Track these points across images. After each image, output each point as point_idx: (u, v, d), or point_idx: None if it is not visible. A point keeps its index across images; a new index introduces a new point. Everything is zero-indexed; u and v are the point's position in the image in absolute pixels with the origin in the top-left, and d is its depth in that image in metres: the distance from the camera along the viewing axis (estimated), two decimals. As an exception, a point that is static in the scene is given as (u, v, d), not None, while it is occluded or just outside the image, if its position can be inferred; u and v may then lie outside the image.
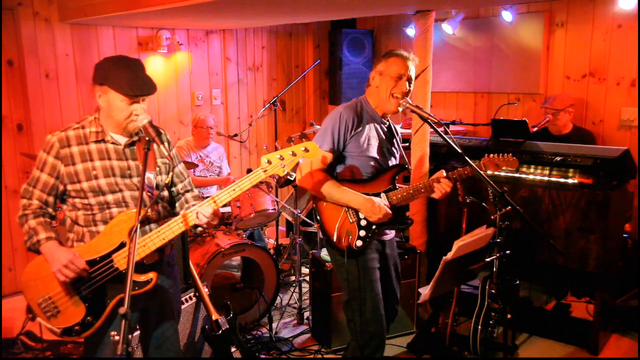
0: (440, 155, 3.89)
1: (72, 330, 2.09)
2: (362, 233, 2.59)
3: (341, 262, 2.64)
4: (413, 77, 2.62)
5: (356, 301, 2.63)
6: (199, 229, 3.71)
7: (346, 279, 2.66)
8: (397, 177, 2.68)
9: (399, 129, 2.89)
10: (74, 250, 2.06)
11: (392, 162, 2.75)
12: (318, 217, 2.68)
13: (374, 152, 2.63)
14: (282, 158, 2.06)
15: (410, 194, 2.62)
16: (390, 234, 2.82)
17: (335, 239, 2.61)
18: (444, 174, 2.60)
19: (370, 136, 2.62)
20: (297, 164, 2.16)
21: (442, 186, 2.59)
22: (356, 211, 2.60)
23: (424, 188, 2.61)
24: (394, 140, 2.78)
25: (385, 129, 2.73)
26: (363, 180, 2.64)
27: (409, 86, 2.61)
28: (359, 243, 2.59)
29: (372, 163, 2.64)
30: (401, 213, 2.68)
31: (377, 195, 2.61)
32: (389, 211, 2.57)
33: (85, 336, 2.11)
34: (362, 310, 2.62)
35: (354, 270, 2.61)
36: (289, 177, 2.14)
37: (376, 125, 2.67)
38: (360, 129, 2.60)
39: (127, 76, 2.05)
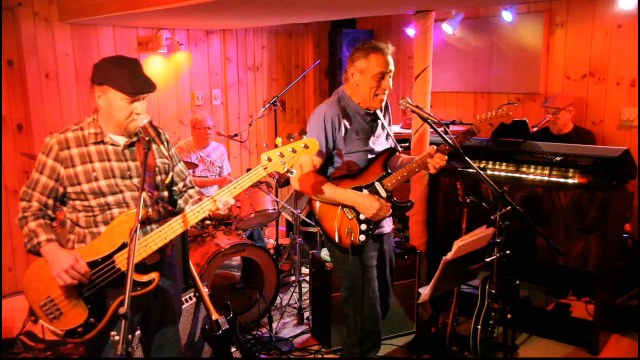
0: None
1: (75, 332, 2.08)
2: (364, 227, 2.56)
3: (341, 259, 2.63)
4: (393, 69, 2.57)
5: (354, 298, 2.64)
6: (207, 221, 3.70)
7: (345, 276, 2.66)
8: (389, 161, 2.64)
9: (397, 127, 2.86)
10: (74, 252, 2.05)
11: (384, 147, 2.71)
12: (316, 219, 2.65)
13: (365, 144, 2.60)
14: (282, 155, 2.06)
15: (405, 176, 2.57)
16: (388, 227, 2.80)
17: (337, 239, 2.58)
18: (435, 148, 2.55)
19: (357, 130, 2.59)
20: (297, 160, 2.14)
21: (435, 161, 2.52)
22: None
23: (418, 167, 2.56)
24: (379, 122, 2.72)
25: (370, 117, 2.67)
26: (355, 174, 2.61)
27: (391, 82, 2.57)
28: (362, 238, 2.56)
29: (365, 156, 2.62)
30: (397, 197, 2.64)
31: (371, 185, 2.57)
32: (385, 204, 2.51)
33: (89, 338, 2.10)
34: (359, 308, 2.62)
35: (352, 268, 2.60)
36: (289, 174, 2.13)
37: (361, 116, 2.62)
38: (347, 124, 2.56)
39: (127, 75, 2.06)
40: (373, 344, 2.69)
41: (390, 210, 2.56)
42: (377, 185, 2.58)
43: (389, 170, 2.62)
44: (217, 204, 2.08)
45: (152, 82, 2.12)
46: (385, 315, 2.91)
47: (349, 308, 2.68)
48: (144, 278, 2.07)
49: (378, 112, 2.73)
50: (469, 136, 2.60)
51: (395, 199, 2.61)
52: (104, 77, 2.07)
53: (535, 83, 4.58)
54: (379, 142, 2.70)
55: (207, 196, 2.17)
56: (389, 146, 2.74)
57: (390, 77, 2.57)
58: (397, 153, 2.76)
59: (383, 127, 2.74)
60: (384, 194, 2.57)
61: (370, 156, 2.64)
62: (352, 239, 2.56)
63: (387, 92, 2.57)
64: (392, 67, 2.56)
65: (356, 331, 2.64)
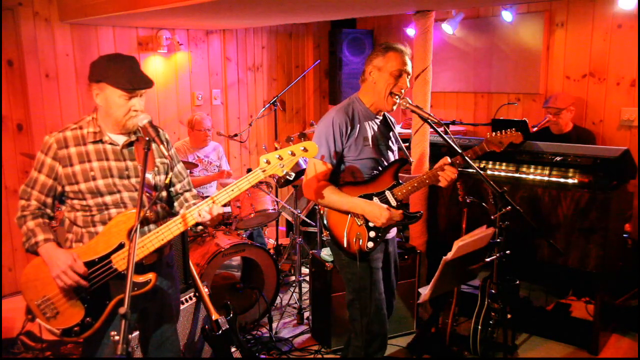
0: (441, 156, 3.87)
1: (72, 331, 2.09)
2: (372, 234, 2.54)
3: (346, 262, 2.61)
4: (410, 72, 2.58)
5: (360, 301, 2.61)
6: (200, 227, 3.69)
7: (351, 279, 2.63)
8: (399, 172, 2.63)
9: (397, 127, 2.86)
10: (72, 252, 2.06)
11: (391, 157, 2.70)
12: (325, 224, 2.62)
13: (370, 152, 2.58)
14: (280, 158, 2.06)
15: (415, 187, 2.56)
16: (393, 232, 2.79)
17: (345, 245, 2.55)
18: (449, 160, 2.54)
19: (366, 136, 2.57)
20: (297, 163, 2.13)
21: (446, 174, 2.51)
22: None
23: (429, 178, 2.55)
24: (391, 134, 2.72)
25: (379, 124, 2.66)
26: (366, 181, 2.60)
27: (408, 82, 2.58)
28: (371, 245, 2.54)
29: (371, 164, 2.60)
30: (406, 206, 2.64)
31: (382, 194, 2.57)
32: (394, 213, 2.50)
33: (85, 337, 2.11)
34: (365, 310, 2.60)
35: (358, 271, 2.57)
36: (288, 177, 2.12)
37: (369, 122, 2.61)
38: (354, 131, 2.55)
39: (124, 72, 2.06)
40: (380, 345, 2.67)
41: (402, 217, 2.54)
42: (388, 194, 2.57)
43: (400, 181, 2.61)
44: (213, 210, 2.07)
45: (149, 78, 2.12)
46: (390, 315, 2.90)
47: (354, 311, 2.64)
48: (141, 279, 2.07)
49: (389, 121, 2.73)
50: (480, 152, 2.59)
51: (403, 209, 2.60)
52: (101, 75, 2.07)
53: (535, 83, 4.58)
54: (389, 152, 2.68)
55: (206, 197, 2.17)
56: (398, 156, 2.73)
57: (407, 77, 2.57)
58: (408, 164, 2.73)
59: (391, 135, 2.72)
60: (394, 203, 2.56)
61: (378, 164, 2.62)
62: (360, 244, 2.54)
63: (403, 91, 2.55)
64: (409, 68, 2.56)
65: (363, 334, 2.61)
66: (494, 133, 2.62)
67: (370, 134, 2.59)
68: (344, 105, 2.63)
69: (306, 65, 5.94)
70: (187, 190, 2.38)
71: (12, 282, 4.37)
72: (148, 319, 2.31)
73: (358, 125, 2.57)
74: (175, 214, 2.29)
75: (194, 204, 2.22)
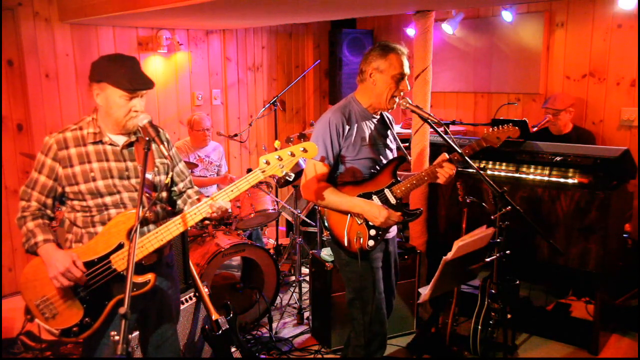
0: (440, 155, 3.89)
1: (71, 331, 2.09)
2: (373, 232, 2.54)
3: (346, 261, 2.62)
4: (409, 72, 2.58)
5: (360, 300, 2.61)
6: (206, 221, 3.68)
7: (351, 277, 2.63)
8: (398, 170, 2.62)
9: (397, 127, 2.85)
10: (71, 253, 2.05)
11: (390, 156, 2.70)
12: (326, 224, 2.62)
13: (369, 152, 2.58)
14: (280, 159, 2.06)
15: (414, 184, 2.56)
16: (393, 232, 2.79)
17: (346, 244, 2.55)
18: (447, 156, 2.54)
19: (363, 136, 2.57)
20: (296, 164, 2.13)
21: (445, 170, 2.50)
22: None
23: (427, 175, 2.55)
24: (389, 133, 2.71)
25: (377, 123, 2.66)
26: (364, 180, 2.60)
27: (408, 84, 2.57)
28: (371, 243, 2.54)
29: (369, 163, 2.60)
30: (406, 205, 2.64)
31: (381, 192, 2.57)
32: (393, 213, 2.50)
33: (84, 337, 2.11)
34: (366, 309, 2.60)
35: (359, 270, 2.57)
36: (287, 177, 2.12)
37: (366, 122, 2.60)
38: (351, 131, 2.54)
39: (125, 72, 2.06)
40: (379, 345, 2.68)
41: (402, 217, 2.54)
42: (387, 192, 2.57)
43: (398, 179, 2.60)
44: (212, 207, 2.08)
45: (150, 79, 2.13)
46: (390, 314, 2.90)
47: (354, 310, 2.65)
48: (140, 279, 2.07)
49: (387, 120, 2.72)
50: (477, 148, 2.60)
51: (403, 208, 2.59)
52: (102, 75, 2.07)
53: (535, 83, 4.58)
54: (387, 151, 2.68)
55: (206, 196, 2.17)
56: (397, 155, 2.72)
57: (407, 79, 2.56)
58: (406, 162, 2.72)
59: (389, 134, 2.72)
60: (393, 200, 2.56)
61: (376, 163, 2.62)
62: (360, 243, 2.54)
63: (402, 93, 2.55)
64: (408, 70, 2.55)
65: (364, 333, 2.61)
66: (490, 129, 2.61)
67: (367, 133, 2.59)
68: (341, 105, 2.62)
69: (306, 65, 5.94)
70: (189, 188, 2.39)
71: (12, 282, 4.37)
72: (148, 319, 2.31)
73: (355, 125, 2.56)
74: (178, 213, 2.29)
75: (198, 199, 2.22)
